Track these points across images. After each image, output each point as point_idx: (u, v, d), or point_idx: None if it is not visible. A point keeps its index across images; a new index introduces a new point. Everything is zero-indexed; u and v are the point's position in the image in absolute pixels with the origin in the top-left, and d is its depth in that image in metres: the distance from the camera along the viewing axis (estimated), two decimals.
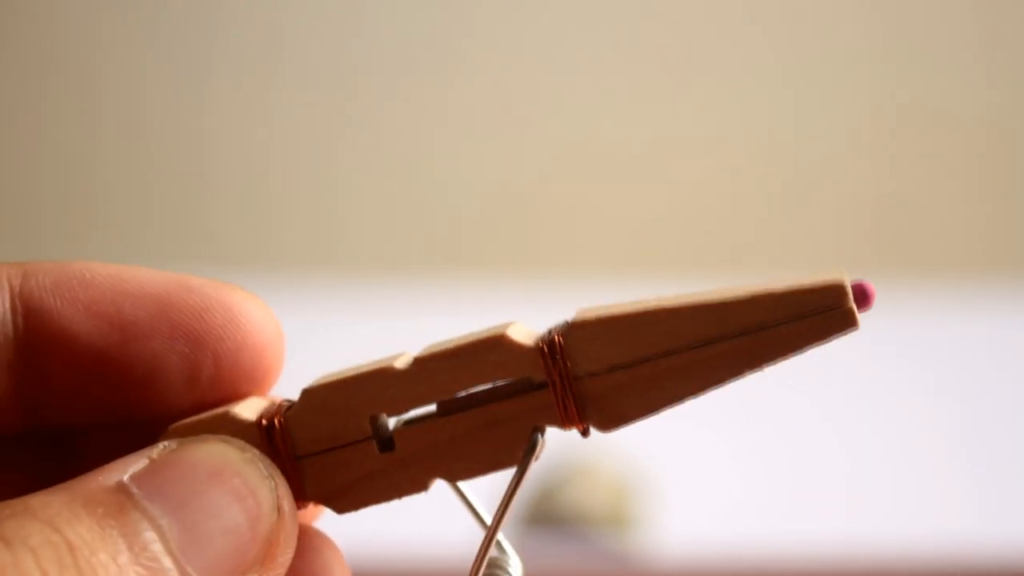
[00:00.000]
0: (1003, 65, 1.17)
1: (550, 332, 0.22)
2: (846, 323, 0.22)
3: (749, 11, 1.16)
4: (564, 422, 0.22)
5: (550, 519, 0.66)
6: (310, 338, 0.90)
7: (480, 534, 0.22)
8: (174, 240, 1.18)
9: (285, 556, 0.20)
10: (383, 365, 0.22)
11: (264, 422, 0.21)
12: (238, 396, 0.22)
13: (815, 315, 0.22)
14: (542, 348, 0.21)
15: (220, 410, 0.22)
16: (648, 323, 0.21)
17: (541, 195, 1.16)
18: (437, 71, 1.17)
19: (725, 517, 0.65)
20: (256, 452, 0.20)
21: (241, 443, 0.20)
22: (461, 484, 0.23)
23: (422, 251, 1.18)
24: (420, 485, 0.22)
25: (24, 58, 1.16)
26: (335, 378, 0.22)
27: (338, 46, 1.16)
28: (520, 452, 0.22)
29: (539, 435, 0.22)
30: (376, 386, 0.22)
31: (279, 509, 0.20)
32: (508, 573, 0.23)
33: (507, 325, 0.22)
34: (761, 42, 1.16)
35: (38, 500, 0.18)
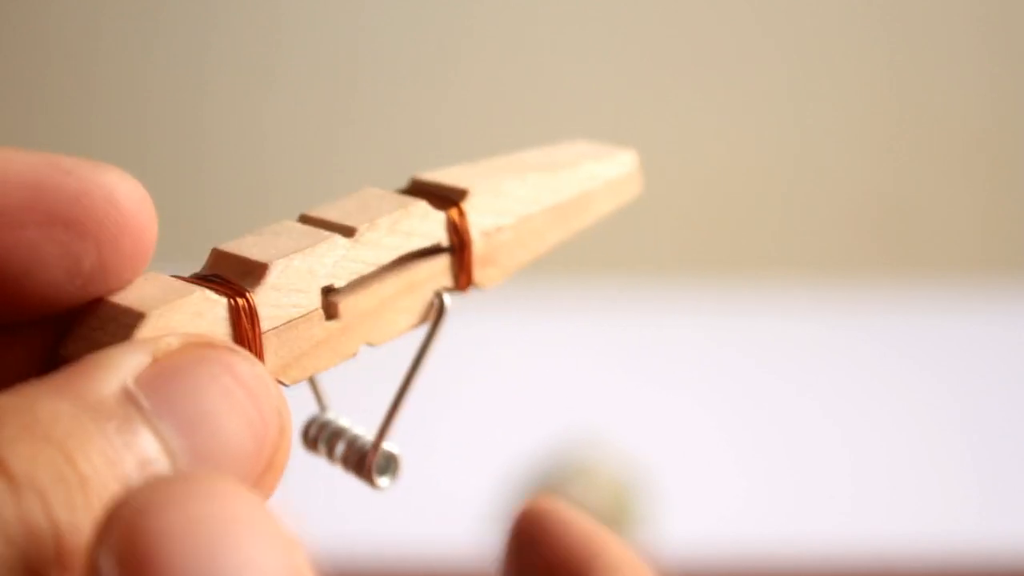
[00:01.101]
0: (1004, 65, 1.17)
1: (451, 200, 0.24)
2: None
3: (751, 10, 1.16)
4: (459, 283, 0.24)
5: None
6: None
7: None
8: (173, 240, 1.18)
9: (279, 476, 0.19)
10: (330, 236, 0.23)
11: (234, 303, 0.21)
12: (121, 284, 0.21)
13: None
14: (450, 216, 0.24)
15: (192, 292, 0.21)
16: (520, 190, 0.24)
17: None
18: (438, 70, 1.17)
19: (725, 517, 0.65)
20: (262, 367, 0.20)
21: (248, 355, 0.20)
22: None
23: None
24: (352, 350, 0.23)
25: (23, 57, 1.16)
26: (287, 250, 0.22)
27: (339, 45, 1.16)
28: (427, 313, 0.24)
29: (444, 298, 0.24)
30: (327, 256, 0.22)
31: (282, 430, 0.19)
32: (391, 455, 0.24)
33: (417, 198, 0.24)
34: (762, 41, 1.16)
35: (45, 410, 0.16)
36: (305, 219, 0.24)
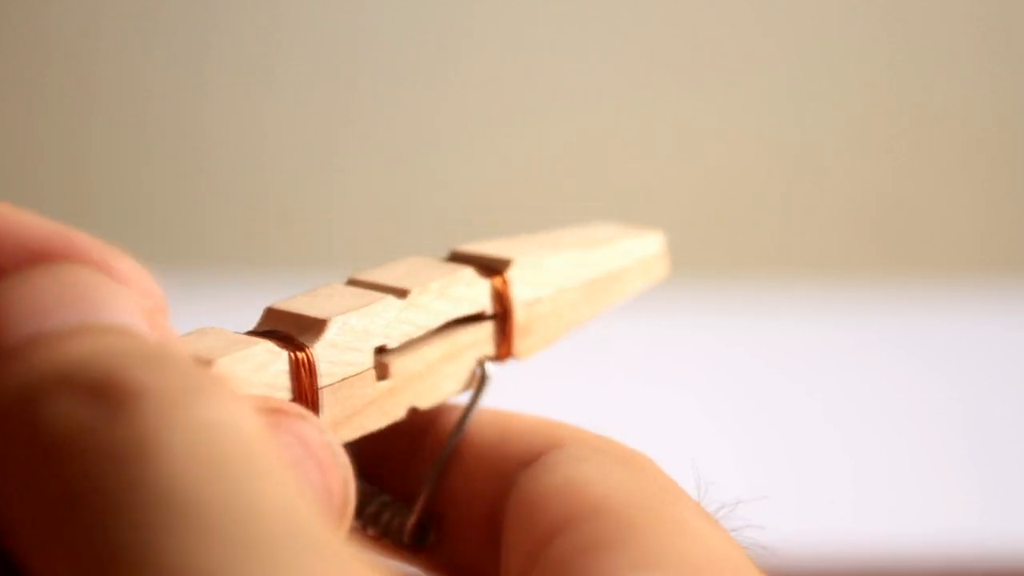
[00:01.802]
0: (1004, 65, 1.17)
1: (495, 269, 0.24)
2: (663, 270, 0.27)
3: (751, 10, 1.16)
4: (500, 352, 0.25)
5: None
6: None
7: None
8: (173, 241, 1.18)
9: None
10: (384, 296, 0.23)
11: (294, 356, 0.22)
12: None
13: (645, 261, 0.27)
14: (495, 284, 0.24)
15: (255, 344, 0.21)
16: (558, 264, 0.25)
17: (542, 195, 1.16)
18: (439, 69, 1.16)
19: (723, 516, 0.65)
20: (331, 435, 0.20)
21: (317, 422, 0.20)
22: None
23: (422, 251, 1.18)
24: (400, 413, 0.23)
25: (23, 57, 1.16)
26: (343, 309, 0.23)
27: (338, 45, 1.16)
28: (469, 381, 0.24)
29: (487, 366, 0.24)
30: (381, 316, 0.23)
31: (348, 500, 0.19)
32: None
33: (462, 265, 0.24)
34: (762, 41, 1.16)
35: None
36: (354, 282, 0.24)
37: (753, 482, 0.69)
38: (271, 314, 0.23)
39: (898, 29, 1.16)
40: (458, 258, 0.25)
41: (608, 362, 0.84)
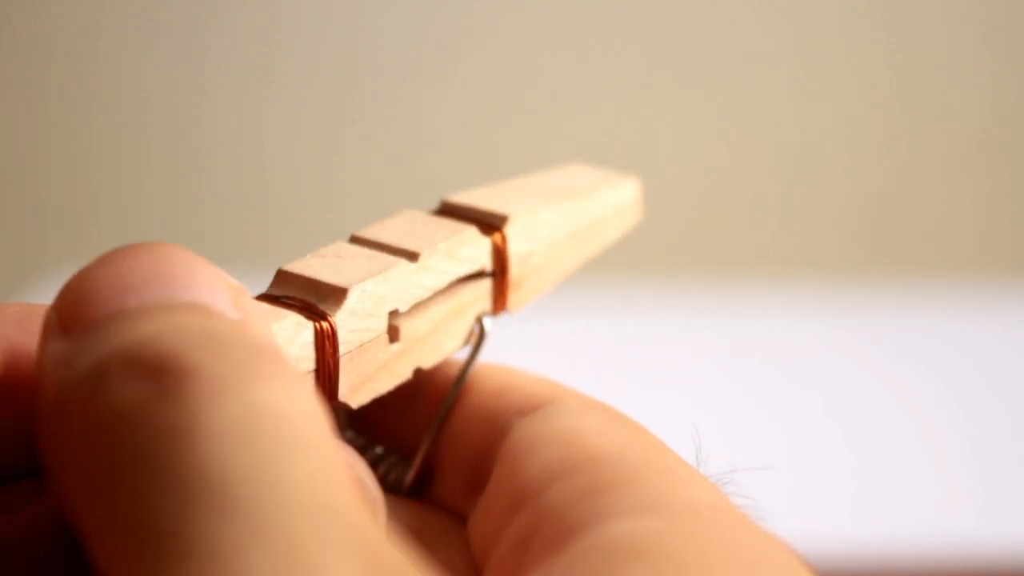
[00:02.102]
0: (1004, 65, 1.17)
1: (492, 225, 0.25)
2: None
3: (751, 10, 1.16)
4: (496, 307, 0.25)
5: None
6: None
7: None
8: (172, 239, 1.18)
9: None
10: (397, 261, 0.23)
11: (319, 327, 0.22)
12: None
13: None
14: (495, 242, 0.24)
15: (286, 317, 0.21)
16: (550, 217, 0.25)
17: None
18: (439, 69, 1.16)
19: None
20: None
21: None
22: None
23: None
24: (407, 373, 0.23)
25: (23, 57, 1.16)
26: (361, 275, 0.23)
27: (338, 45, 1.16)
28: (468, 336, 0.24)
29: (486, 322, 0.24)
30: (396, 282, 0.23)
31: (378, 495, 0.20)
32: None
33: (464, 222, 0.25)
34: (762, 42, 1.16)
35: None
36: (358, 240, 0.24)
37: (753, 482, 0.69)
38: (284, 277, 0.23)
39: (898, 29, 1.16)
40: (450, 211, 0.25)
41: (608, 362, 0.84)
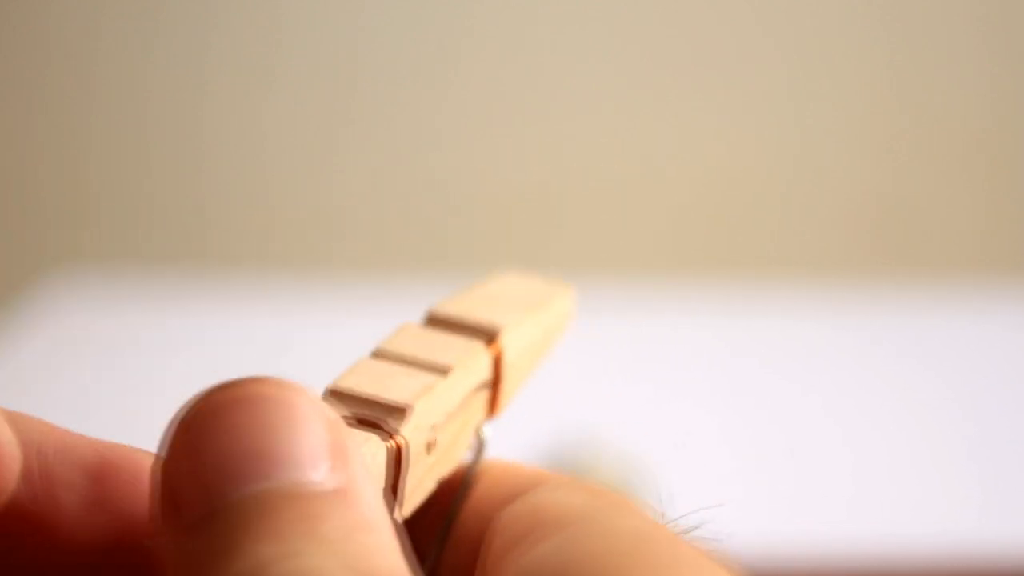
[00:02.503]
0: (1004, 65, 1.17)
1: (487, 337, 0.26)
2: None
3: (751, 11, 1.16)
4: (488, 415, 0.26)
5: None
6: (307, 337, 0.90)
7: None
8: (172, 240, 1.18)
9: None
10: (435, 377, 0.24)
11: (394, 446, 0.23)
12: None
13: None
14: (494, 354, 0.25)
15: (369, 438, 0.22)
16: (528, 327, 0.27)
17: (541, 196, 1.16)
18: (437, 70, 1.17)
19: (725, 516, 0.65)
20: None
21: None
22: None
23: (421, 251, 1.18)
24: (432, 486, 0.24)
25: (23, 57, 1.16)
26: (413, 392, 0.23)
27: (337, 46, 1.16)
28: (471, 446, 0.25)
29: (484, 432, 0.25)
30: (440, 396, 0.24)
31: None
32: None
33: (463, 335, 0.26)
34: (762, 42, 1.16)
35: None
36: (382, 355, 0.25)
37: (753, 481, 0.69)
38: (339, 395, 0.24)
39: (898, 30, 1.16)
40: (440, 322, 0.26)
41: (608, 362, 0.84)
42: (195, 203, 1.18)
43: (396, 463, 0.22)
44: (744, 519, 0.67)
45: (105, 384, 0.81)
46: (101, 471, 0.21)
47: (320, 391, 0.23)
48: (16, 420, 0.21)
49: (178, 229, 1.17)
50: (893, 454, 0.73)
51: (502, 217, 1.15)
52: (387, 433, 0.23)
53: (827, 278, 1.14)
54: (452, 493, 0.24)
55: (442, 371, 0.24)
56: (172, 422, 0.19)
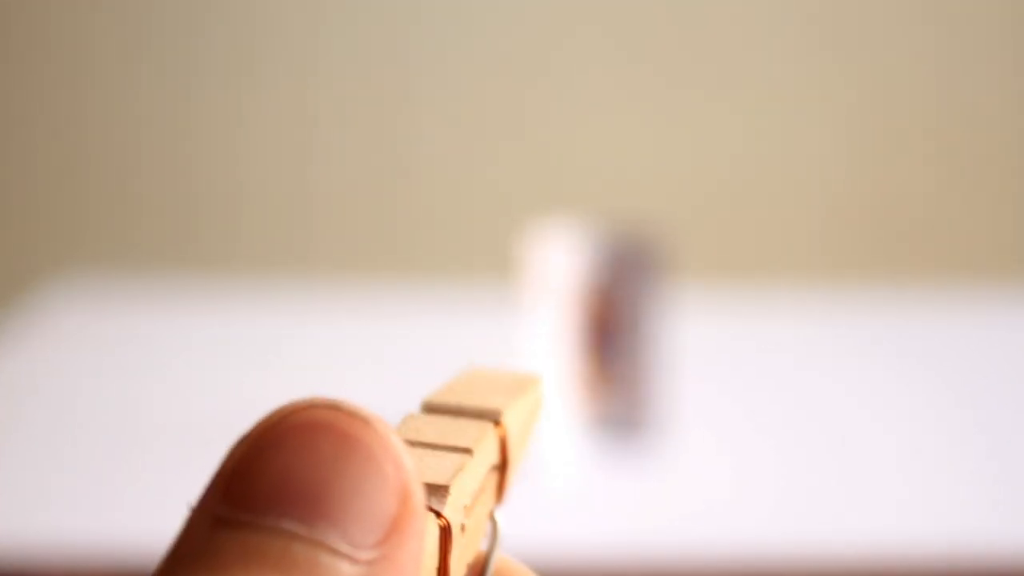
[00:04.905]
0: (1004, 66, 1.17)
1: (491, 420, 0.26)
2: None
3: (750, 12, 1.16)
4: (498, 499, 0.25)
5: None
6: (305, 338, 0.90)
7: None
8: (171, 242, 1.18)
9: None
10: (462, 457, 0.24)
11: (444, 525, 0.22)
12: None
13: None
14: (502, 436, 0.25)
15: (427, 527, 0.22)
16: (519, 411, 0.26)
17: (542, 196, 1.16)
18: (439, 69, 1.17)
19: (725, 517, 0.65)
20: None
21: None
22: None
23: (421, 252, 1.18)
24: (462, 571, 0.24)
25: (23, 63, 1.16)
26: (448, 471, 0.23)
27: (335, 55, 1.16)
28: (486, 533, 0.25)
29: (497, 518, 0.25)
30: (470, 477, 0.24)
31: None
32: None
33: (488, 417, 0.26)
34: (761, 43, 1.16)
35: None
36: (405, 440, 0.25)
37: (753, 482, 0.69)
38: None
39: (897, 31, 1.16)
40: (438, 410, 0.26)
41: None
42: (194, 207, 1.18)
43: (449, 543, 0.22)
44: (744, 519, 0.67)
45: (105, 384, 0.81)
46: None
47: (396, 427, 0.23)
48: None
49: (177, 232, 1.17)
50: (892, 453, 0.73)
51: (503, 218, 1.15)
52: (435, 513, 0.22)
53: (827, 278, 1.14)
54: None
55: (465, 451, 0.24)
56: (254, 424, 0.18)
